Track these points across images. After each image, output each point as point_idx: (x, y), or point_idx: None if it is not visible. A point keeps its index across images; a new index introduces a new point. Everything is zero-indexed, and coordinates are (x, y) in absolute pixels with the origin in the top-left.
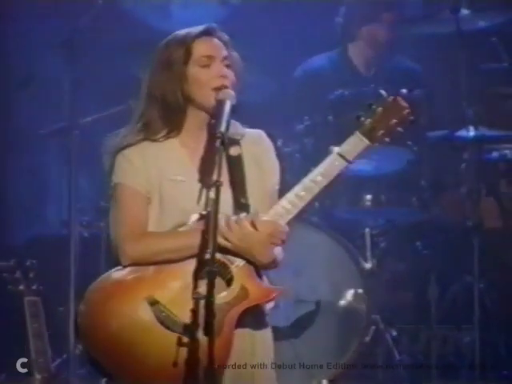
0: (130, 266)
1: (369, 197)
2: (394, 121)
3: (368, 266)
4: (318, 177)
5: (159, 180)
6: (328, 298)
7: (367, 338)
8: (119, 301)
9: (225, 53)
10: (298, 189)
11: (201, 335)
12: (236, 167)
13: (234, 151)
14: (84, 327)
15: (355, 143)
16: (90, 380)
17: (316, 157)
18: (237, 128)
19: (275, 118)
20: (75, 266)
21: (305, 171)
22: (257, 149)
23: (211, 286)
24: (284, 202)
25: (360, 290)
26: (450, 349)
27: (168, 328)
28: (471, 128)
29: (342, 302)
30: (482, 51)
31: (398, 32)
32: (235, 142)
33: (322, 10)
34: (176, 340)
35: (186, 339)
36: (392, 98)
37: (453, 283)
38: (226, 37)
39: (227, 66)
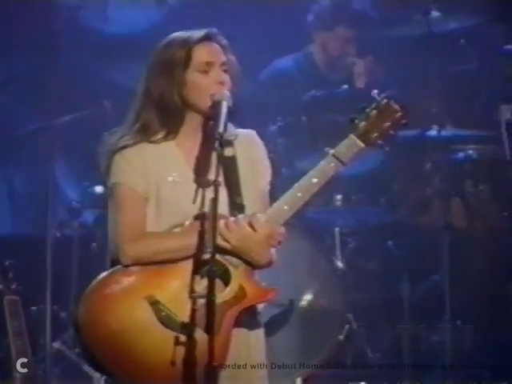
0: (130, 265)
1: (339, 197)
2: (388, 124)
3: (341, 265)
4: (314, 178)
5: (157, 181)
6: (301, 297)
7: (341, 337)
8: (119, 300)
9: (223, 58)
10: (294, 190)
11: (199, 334)
12: (230, 168)
13: (228, 152)
14: (85, 326)
15: (350, 145)
16: (65, 378)
17: (289, 157)
18: (230, 129)
19: (247, 120)
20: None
21: (278, 172)
22: (250, 149)
23: (212, 285)
24: (281, 203)
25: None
26: (421, 347)
27: (168, 327)
28: (439, 128)
29: (304, 302)
30: (452, 53)
31: (369, 34)
32: (229, 143)
33: (273, 12)
34: (175, 339)
35: (184, 338)
36: (385, 101)
37: (422, 282)
38: (224, 41)
39: (225, 72)
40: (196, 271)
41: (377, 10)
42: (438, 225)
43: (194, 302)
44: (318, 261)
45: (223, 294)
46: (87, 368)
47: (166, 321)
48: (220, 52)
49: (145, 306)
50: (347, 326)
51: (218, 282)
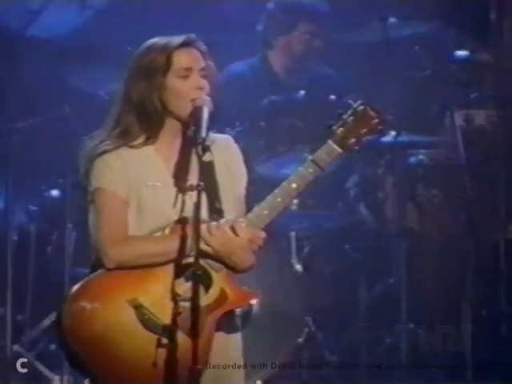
0: (113, 269)
1: (295, 201)
2: (364, 130)
3: (300, 268)
4: (293, 184)
5: (137, 185)
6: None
7: (300, 340)
8: (103, 303)
9: (202, 64)
10: (274, 195)
11: (181, 337)
12: (209, 173)
13: (206, 157)
14: (68, 329)
15: (328, 151)
16: (27, 380)
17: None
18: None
19: None
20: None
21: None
22: (227, 154)
23: (196, 289)
24: (261, 208)
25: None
26: (378, 349)
27: (150, 330)
28: (393, 133)
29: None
30: (407, 59)
31: (326, 40)
32: (207, 148)
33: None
34: (157, 342)
35: (166, 341)
36: (362, 107)
37: (379, 285)
38: (203, 47)
39: (204, 77)
40: (178, 275)
41: (334, 16)
42: (393, 228)
43: (176, 306)
44: (278, 264)
45: (205, 298)
46: (46, 371)
47: (149, 324)
48: (199, 57)
49: (128, 309)
50: (306, 329)
51: (200, 286)
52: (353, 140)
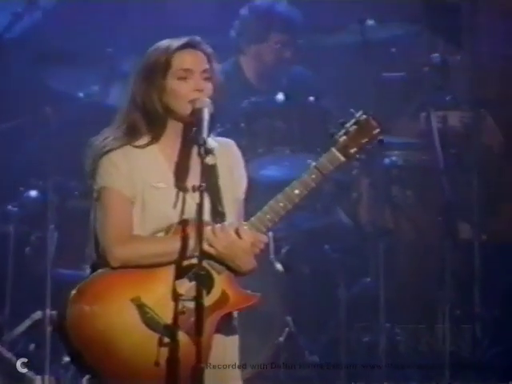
0: (117, 268)
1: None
2: (365, 139)
3: (280, 268)
4: (296, 190)
5: (142, 185)
6: None
7: (281, 339)
8: (106, 301)
9: (205, 66)
10: (276, 200)
11: (182, 337)
12: (211, 176)
13: (209, 160)
14: (71, 326)
15: (331, 159)
16: (9, 380)
17: None
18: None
19: None
20: None
21: None
22: (229, 158)
23: (200, 289)
24: (263, 213)
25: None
26: (356, 348)
27: (151, 329)
28: None
29: None
30: (384, 61)
31: (303, 43)
32: (210, 151)
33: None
34: (158, 340)
35: (167, 340)
36: (365, 117)
37: (358, 285)
38: (209, 49)
39: (207, 79)
40: (181, 275)
41: (312, 18)
42: (370, 229)
43: (177, 305)
44: (258, 264)
45: (206, 299)
46: (28, 371)
47: (151, 322)
48: (202, 60)
49: (131, 307)
50: (287, 329)
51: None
52: (354, 149)
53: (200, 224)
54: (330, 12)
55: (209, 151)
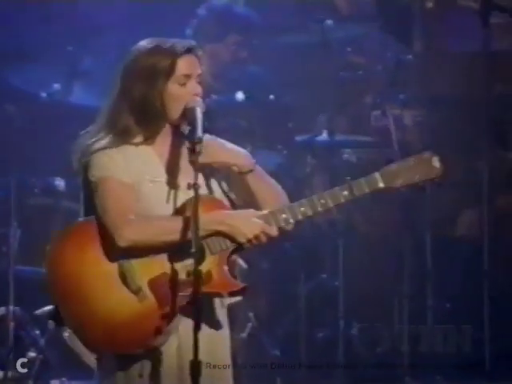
0: (125, 249)
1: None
2: (418, 176)
3: (245, 265)
4: (322, 199)
5: (138, 180)
6: None
7: (243, 335)
8: (90, 245)
9: (199, 71)
10: (300, 203)
11: (150, 302)
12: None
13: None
14: (48, 264)
15: (370, 182)
16: None
17: None
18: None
19: None
20: None
21: None
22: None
23: (198, 284)
24: (280, 210)
25: None
26: (316, 345)
27: (125, 284)
28: (328, 134)
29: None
30: (342, 60)
31: (262, 43)
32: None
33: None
34: (127, 298)
35: (135, 300)
36: (429, 155)
37: (316, 282)
38: (200, 53)
39: (199, 83)
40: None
41: (271, 17)
42: (326, 227)
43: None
44: None
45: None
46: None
47: (126, 277)
48: (198, 65)
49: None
50: (249, 325)
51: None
52: (401, 181)
53: (195, 220)
54: (288, 12)
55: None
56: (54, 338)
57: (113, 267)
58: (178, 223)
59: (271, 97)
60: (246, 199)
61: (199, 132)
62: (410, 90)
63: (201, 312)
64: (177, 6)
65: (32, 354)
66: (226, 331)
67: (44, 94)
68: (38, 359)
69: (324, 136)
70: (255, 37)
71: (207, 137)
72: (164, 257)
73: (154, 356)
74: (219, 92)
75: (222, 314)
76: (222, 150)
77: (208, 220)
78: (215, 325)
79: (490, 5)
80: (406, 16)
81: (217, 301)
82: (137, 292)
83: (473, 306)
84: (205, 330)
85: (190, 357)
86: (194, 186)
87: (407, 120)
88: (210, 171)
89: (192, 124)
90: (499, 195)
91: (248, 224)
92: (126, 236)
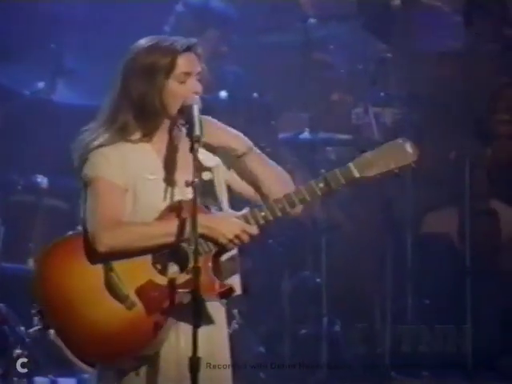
0: (105, 254)
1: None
2: (393, 164)
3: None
4: (299, 194)
5: (134, 177)
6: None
7: (228, 332)
8: (75, 259)
9: (199, 68)
10: (279, 199)
11: (139, 310)
12: (207, 191)
13: (205, 176)
14: (37, 278)
15: (345, 174)
16: None
17: None
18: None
19: None
20: None
21: None
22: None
23: (197, 281)
24: (260, 208)
25: None
26: (300, 343)
27: (112, 295)
28: (310, 132)
29: None
30: (325, 58)
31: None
32: (207, 169)
33: None
34: (115, 307)
35: (123, 309)
36: (401, 141)
37: (300, 278)
38: (200, 50)
39: (199, 80)
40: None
41: (253, 16)
42: (309, 223)
43: (148, 279)
44: None
45: (178, 277)
46: None
47: (113, 288)
48: (197, 62)
49: (97, 269)
50: (234, 322)
51: (175, 267)
52: (376, 169)
53: (194, 220)
54: (274, 11)
55: (205, 169)
56: (39, 334)
57: (98, 279)
58: (159, 228)
59: (255, 95)
60: (251, 183)
61: (197, 130)
62: (390, 88)
63: (200, 308)
64: (154, 4)
65: (17, 351)
66: (225, 331)
67: (27, 92)
68: (23, 356)
69: (306, 134)
70: (234, 31)
71: (205, 117)
72: (147, 263)
73: (151, 354)
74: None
75: (220, 314)
76: (219, 130)
77: (188, 224)
78: (213, 325)
79: (474, 5)
80: (385, 14)
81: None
82: (124, 300)
83: (454, 303)
84: (204, 330)
85: (188, 354)
86: (193, 184)
87: (387, 118)
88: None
89: (189, 122)
90: (480, 191)
91: (227, 224)
92: (105, 241)
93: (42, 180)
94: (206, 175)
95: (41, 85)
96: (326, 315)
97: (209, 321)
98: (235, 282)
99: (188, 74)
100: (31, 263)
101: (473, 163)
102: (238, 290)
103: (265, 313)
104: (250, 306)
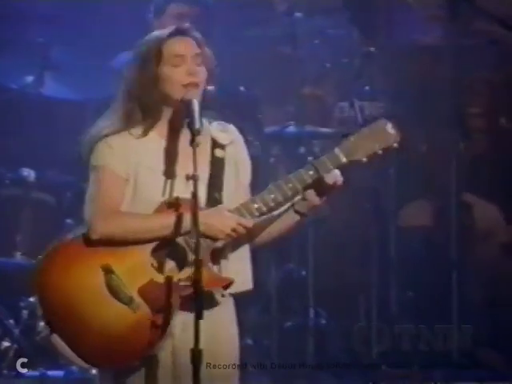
0: (98, 242)
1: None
2: (377, 145)
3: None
4: (290, 183)
5: (136, 167)
6: None
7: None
8: (75, 263)
9: (196, 51)
10: (269, 190)
11: (144, 311)
12: (218, 167)
13: (218, 153)
14: (40, 284)
15: (332, 159)
16: None
17: None
18: (227, 129)
19: None
20: None
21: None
22: (235, 149)
23: (199, 274)
24: (253, 200)
25: None
26: (290, 335)
27: (115, 297)
28: (296, 125)
29: None
30: (310, 52)
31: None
32: (222, 147)
33: None
34: (120, 310)
35: (128, 311)
36: (383, 122)
37: (286, 271)
38: (198, 35)
39: (198, 64)
40: (157, 249)
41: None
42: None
43: (148, 279)
44: None
45: (178, 275)
46: None
47: (115, 291)
48: (192, 45)
49: (98, 272)
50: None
51: (172, 263)
52: (362, 152)
53: (195, 213)
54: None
55: (220, 146)
56: (28, 327)
57: (100, 282)
58: (155, 221)
59: (241, 88)
60: None
61: (197, 124)
62: (374, 83)
63: (202, 301)
64: None
65: (6, 344)
66: (233, 329)
67: (15, 86)
68: (13, 349)
69: (291, 128)
70: (205, 6)
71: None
72: (146, 262)
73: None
74: None
75: (227, 312)
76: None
77: (184, 220)
78: (218, 323)
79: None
80: (370, 8)
81: (221, 298)
82: (129, 303)
83: (439, 296)
84: (208, 329)
85: (187, 354)
86: (193, 178)
87: (372, 112)
88: None
89: (189, 116)
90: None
91: (223, 219)
92: (99, 230)
93: (30, 173)
94: (218, 152)
95: (29, 79)
96: (312, 307)
97: (213, 316)
98: (247, 278)
99: (180, 56)
100: (18, 256)
101: (458, 155)
102: (250, 286)
103: (252, 304)
104: (238, 298)
